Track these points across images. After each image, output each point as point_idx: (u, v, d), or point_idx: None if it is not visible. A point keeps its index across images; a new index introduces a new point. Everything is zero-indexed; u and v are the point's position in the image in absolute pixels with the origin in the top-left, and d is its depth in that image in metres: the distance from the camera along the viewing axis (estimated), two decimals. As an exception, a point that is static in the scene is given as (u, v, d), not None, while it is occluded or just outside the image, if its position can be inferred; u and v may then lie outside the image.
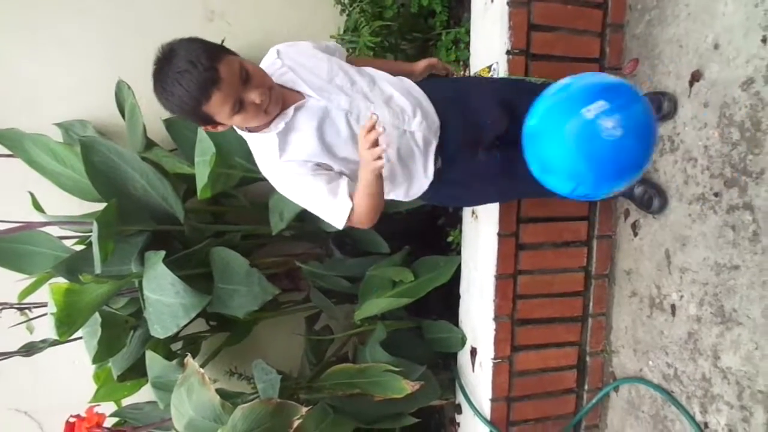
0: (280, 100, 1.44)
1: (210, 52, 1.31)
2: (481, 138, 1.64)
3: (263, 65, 1.53)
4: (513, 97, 1.65)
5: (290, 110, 1.46)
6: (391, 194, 1.66)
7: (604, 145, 1.21)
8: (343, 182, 1.50)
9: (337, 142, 1.50)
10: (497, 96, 1.67)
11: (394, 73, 1.70)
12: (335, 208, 1.49)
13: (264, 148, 1.51)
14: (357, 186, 1.48)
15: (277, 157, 1.48)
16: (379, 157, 1.35)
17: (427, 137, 1.59)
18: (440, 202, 1.83)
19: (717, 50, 1.72)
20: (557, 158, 1.29)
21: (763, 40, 1.57)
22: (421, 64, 1.87)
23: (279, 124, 1.46)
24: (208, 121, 1.40)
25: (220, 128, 1.46)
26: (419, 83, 1.68)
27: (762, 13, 1.57)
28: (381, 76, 1.62)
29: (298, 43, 1.62)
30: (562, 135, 1.24)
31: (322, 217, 1.54)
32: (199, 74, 1.28)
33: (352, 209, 1.48)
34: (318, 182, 1.48)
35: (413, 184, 1.65)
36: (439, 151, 1.62)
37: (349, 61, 1.69)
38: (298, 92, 1.50)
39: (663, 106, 1.86)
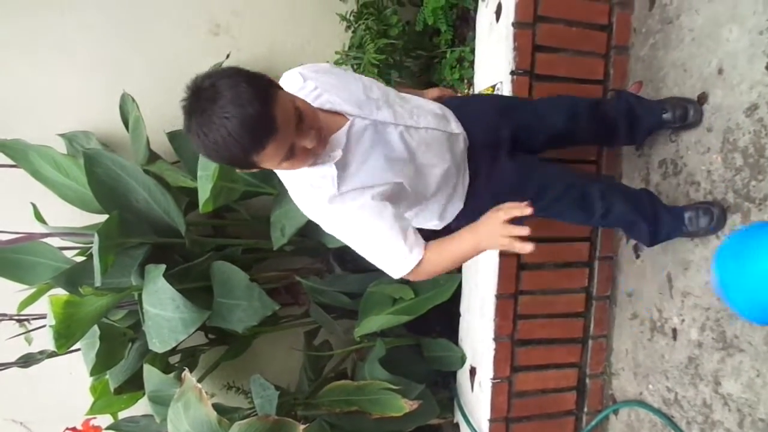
0: (327, 137, 1.29)
1: (262, 93, 1.11)
2: (498, 139, 1.61)
3: (288, 89, 1.31)
4: (510, 108, 1.68)
5: (342, 136, 1.32)
6: (423, 217, 1.58)
7: None
8: (412, 228, 1.34)
9: (394, 157, 1.38)
10: (496, 105, 1.69)
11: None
12: (402, 254, 1.32)
13: (314, 183, 1.33)
14: (443, 242, 1.35)
15: (333, 191, 1.30)
16: (515, 242, 1.22)
17: (466, 138, 1.55)
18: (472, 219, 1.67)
19: (721, 75, 1.72)
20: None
21: (767, 67, 1.57)
22: (434, 93, 1.78)
23: (335, 154, 1.30)
24: (250, 167, 1.22)
25: (255, 169, 1.27)
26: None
27: (767, 41, 1.57)
28: (403, 92, 1.58)
29: (315, 64, 1.47)
30: None
31: (378, 261, 1.37)
32: (253, 122, 1.09)
33: (421, 262, 1.32)
34: (384, 218, 1.31)
35: (453, 203, 1.57)
36: (469, 157, 1.57)
37: None
38: (338, 113, 1.36)
39: (689, 114, 1.78)
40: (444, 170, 1.48)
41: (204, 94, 1.11)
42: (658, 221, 1.75)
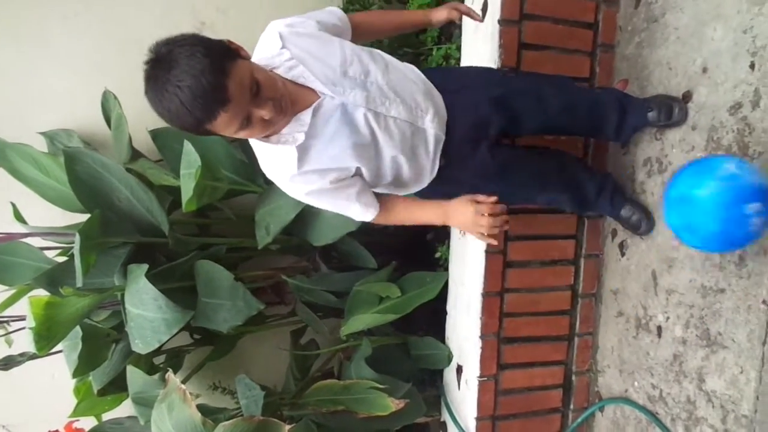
0: (289, 107, 1.31)
1: (216, 63, 1.14)
2: (484, 134, 1.61)
3: (263, 52, 1.38)
4: (510, 97, 1.64)
5: (306, 117, 1.34)
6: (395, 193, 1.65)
7: (743, 234, 1.45)
8: (368, 194, 1.51)
9: (358, 141, 1.40)
10: (495, 93, 1.62)
11: (406, 27, 1.68)
12: (357, 214, 1.52)
13: (277, 159, 1.40)
14: (410, 205, 1.58)
15: (294, 169, 1.37)
16: (491, 235, 1.45)
17: (438, 134, 1.54)
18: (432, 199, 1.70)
19: (705, 74, 1.72)
20: (704, 227, 1.49)
21: (751, 66, 1.58)
22: (442, 14, 1.67)
23: (297, 135, 1.34)
24: (208, 134, 1.26)
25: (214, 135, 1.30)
26: (426, 72, 1.61)
27: (750, 40, 1.58)
28: (395, 62, 1.54)
29: (300, 21, 1.43)
30: (721, 217, 1.44)
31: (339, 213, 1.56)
32: (205, 92, 1.12)
33: (378, 215, 1.53)
34: (339, 197, 1.46)
35: (418, 183, 1.61)
36: (444, 148, 1.57)
37: (355, 18, 1.57)
38: (309, 88, 1.37)
39: (674, 112, 1.79)
40: (394, 158, 1.49)
41: (161, 62, 1.14)
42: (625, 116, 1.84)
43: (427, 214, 1.57)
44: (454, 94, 1.60)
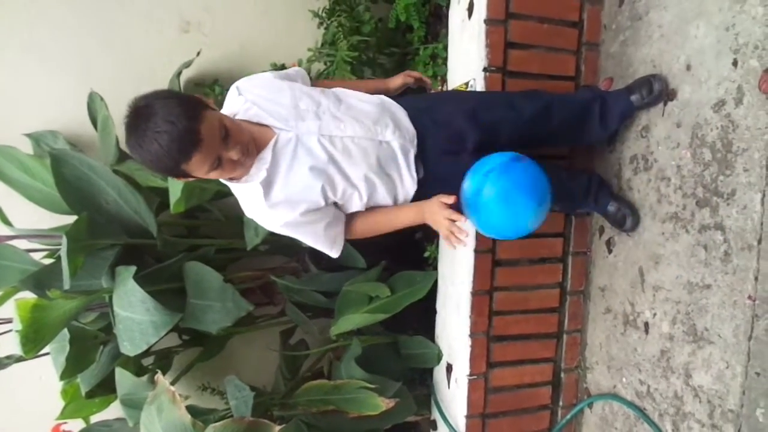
0: (254, 149, 1.45)
1: (190, 112, 1.29)
2: (461, 147, 1.67)
3: (228, 108, 1.54)
4: (482, 107, 1.70)
5: (267, 155, 1.47)
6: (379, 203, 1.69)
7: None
8: (332, 225, 1.61)
9: (316, 165, 1.51)
10: (466, 106, 1.70)
11: (370, 92, 1.71)
12: (325, 248, 1.63)
13: (248, 196, 1.52)
14: (386, 209, 1.65)
15: (263, 204, 1.49)
16: (456, 236, 1.51)
17: (404, 146, 1.61)
18: None
19: (689, 71, 1.74)
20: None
21: (734, 63, 1.59)
22: (397, 81, 1.88)
23: (260, 172, 1.47)
24: (184, 176, 1.40)
25: (191, 179, 1.46)
26: (394, 98, 1.71)
27: (733, 37, 1.59)
28: (348, 93, 1.64)
29: (257, 75, 1.63)
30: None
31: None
32: (180, 136, 1.27)
33: (350, 231, 1.66)
34: (308, 228, 1.57)
35: (398, 193, 1.67)
36: (420, 158, 1.65)
37: (318, 84, 1.70)
38: (266, 126, 1.51)
39: (654, 87, 1.82)
40: (365, 176, 1.58)
41: (141, 114, 1.29)
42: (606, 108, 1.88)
43: (406, 215, 1.66)
44: (423, 110, 1.69)
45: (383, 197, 1.65)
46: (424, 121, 1.67)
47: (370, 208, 1.67)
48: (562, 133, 1.89)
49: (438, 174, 1.67)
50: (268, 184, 1.49)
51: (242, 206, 1.58)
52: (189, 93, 1.44)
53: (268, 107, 1.51)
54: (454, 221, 1.51)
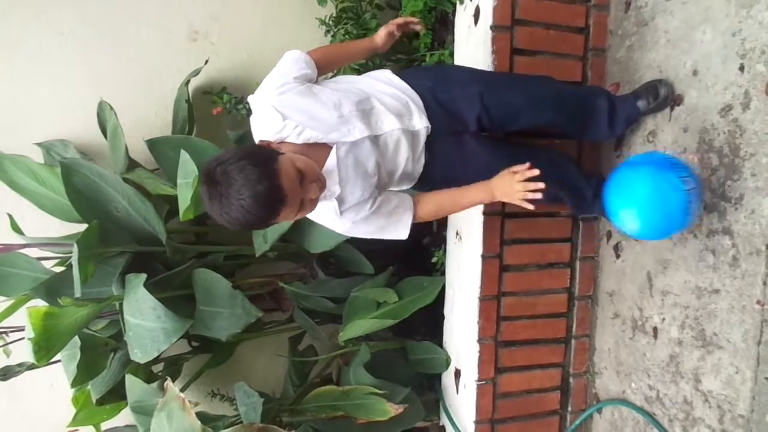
0: (326, 180, 1.45)
1: (267, 169, 1.26)
2: (464, 127, 1.68)
3: (269, 129, 1.46)
4: (489, 91, 1.67)
5: (333, 168, 1.49)
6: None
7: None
8: (400, 208, 1.63)
9: (372, 165, 1.54)
10: (472, 91, 1.67)
11: (359, 54, 1.79)
12: (398, 235, 1.65)
13: (323, 210, 1.54)
14: (448, 190, 1.64)
15: (337, 213, 1.54)
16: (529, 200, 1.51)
17: (427, 129, 1.63)
18: (434, 187, 1.75)
19: (696, 76, 1.74)
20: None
21: (741, 68, 1.59)
22: (381, 34, 1.80)
23: (333, 188, 1.50)
24: (270, 226, 1.42)
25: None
26: (400, 75, 1.67)
27: (739, 42, 1.59)
28: (373, 86, 1.62)
29: (283, 87, 1.49)
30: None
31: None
32: (266, 199, 1.25)
33: (416, 215, 1.65)
34: (376, 221, 1.60)
35: (415, 176, 1.70)
36: (427, 143, 1.65)
37: (313, 58, 1.62)
38: (321, 144, 1.49)
39: (660, 91, 1.83)
40: (405, 162, 1.62)
41: (218, 182, 1.26)
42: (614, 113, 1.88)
43: (474, 195, 1.64)
44: (429, 91, 1.66)
45: (401, 182, 1.70)
46: (431, 102, 1.65)
47: (426, 193, 1.69)
48: (570, 124, 1.87)
49: (441, 154, 1.68)
50: (341, 198, 1.52)
51: (313, 218, 1.60)
52: (253, 145, 1.41)
53: (318, 126, 1.46)
54: (528, 181, 1.51)
